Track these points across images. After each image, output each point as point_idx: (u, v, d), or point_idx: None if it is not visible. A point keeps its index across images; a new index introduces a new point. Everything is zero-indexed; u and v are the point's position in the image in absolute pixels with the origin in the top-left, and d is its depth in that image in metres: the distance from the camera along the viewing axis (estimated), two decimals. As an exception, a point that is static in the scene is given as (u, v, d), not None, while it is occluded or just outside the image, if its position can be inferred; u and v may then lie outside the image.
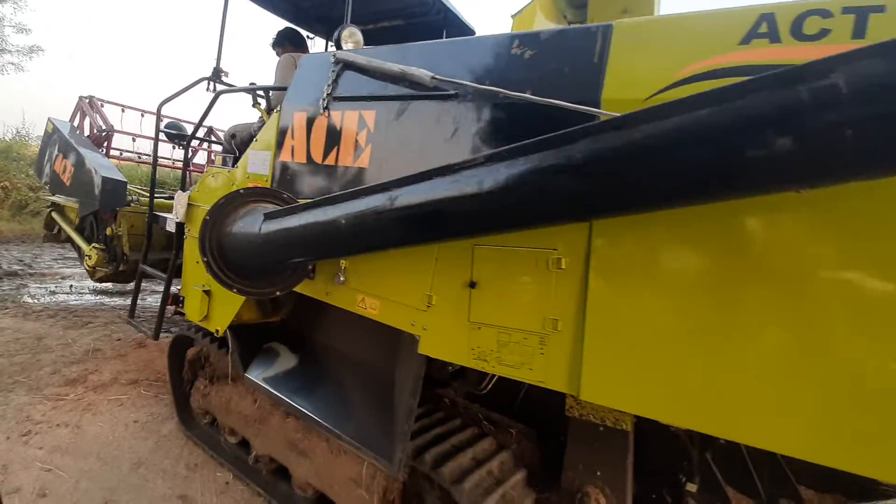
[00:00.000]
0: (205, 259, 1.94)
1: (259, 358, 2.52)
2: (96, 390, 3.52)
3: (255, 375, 2.41)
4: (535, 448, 2.00)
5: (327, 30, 4.27)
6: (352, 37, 2.33)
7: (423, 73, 1.71)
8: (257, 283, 2.00)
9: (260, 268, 1.98)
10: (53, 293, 6.12)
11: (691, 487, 1.75)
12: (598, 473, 1.63)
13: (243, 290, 1.98)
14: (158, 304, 4.53)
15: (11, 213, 10.98)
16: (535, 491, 1.81)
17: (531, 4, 2.87)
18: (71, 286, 6.57)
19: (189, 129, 3.86)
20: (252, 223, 1.88)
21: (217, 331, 2.53)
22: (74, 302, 5.76)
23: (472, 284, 1.60)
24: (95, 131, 5.47)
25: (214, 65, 3.54)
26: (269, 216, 1.84)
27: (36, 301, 5.61)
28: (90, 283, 6.86)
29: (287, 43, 3.51)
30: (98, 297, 6.13)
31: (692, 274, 1.23)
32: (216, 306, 2.56)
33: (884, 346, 1.01)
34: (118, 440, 2.94)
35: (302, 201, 1.94)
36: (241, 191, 2.03)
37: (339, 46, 2.27)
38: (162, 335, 3.20)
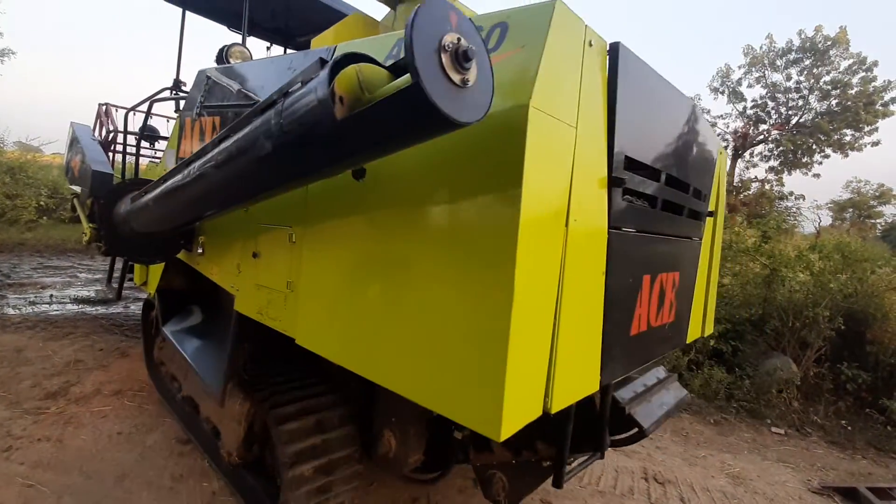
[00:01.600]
0: (101, 233, 2.75)
1: (178, 315, 3.14)
2: (78, 402, 3.47)
3: (168, 328, 3.04)
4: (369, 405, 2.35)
5: (284, 40, 5.37)
6: (241, 54, 2.94)
7: (232, 88, 2.23)
8: (145, 253, 2.79)
9: (141, 241, 2.66)
10: (33, 304, 6.00)
11: (458, 435, 2.05)
12: (393, 420, 2.13)
13: (133, 258, 2.94)
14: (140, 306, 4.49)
15: (-12, 223, 10.73)
16: (358, 435, 2.30)
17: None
18: (51, 296, 6.45)
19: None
20: (124, 205, 2.57)
21: (150, 294, 3.41)
22: (55, 312, 5.66)
23: (255, 255, 2.09)
24: (105, 133, 5.74)
25: (175, 76, 4.30)
26: (133, 199, 2.46)
27: (16, 312, 5.49)
28: (71, 293, 6.75)
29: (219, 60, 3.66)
30: (80, 307, 6.03)
31: (345, 251, 1.61)
32: (151, 275, 3.45)
33: (441, 307, 1.29)
34: (101, 453, 2.90)
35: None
36: (128, 181, 2.77)
37: (221, 62, 2.90)
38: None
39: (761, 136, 21.06)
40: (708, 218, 2.39)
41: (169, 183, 1.94)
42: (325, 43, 2.95)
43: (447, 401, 1.27)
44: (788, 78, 20.07)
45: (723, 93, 21.61)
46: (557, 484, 1.86)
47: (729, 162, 21.33)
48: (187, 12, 4.75)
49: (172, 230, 2.53)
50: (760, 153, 21.44)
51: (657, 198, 1.79)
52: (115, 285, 4.43)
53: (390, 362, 1.43)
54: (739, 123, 21.42)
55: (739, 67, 21.01)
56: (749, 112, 21.25)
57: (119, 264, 4.60)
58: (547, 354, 1.30)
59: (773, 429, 5.09)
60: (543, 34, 1.18)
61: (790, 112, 20.31)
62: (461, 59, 0.89)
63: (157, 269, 3.24)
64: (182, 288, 3.25)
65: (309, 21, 4.69)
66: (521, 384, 1.19)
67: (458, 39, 0.90)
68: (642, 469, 3.68)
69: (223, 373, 2.29)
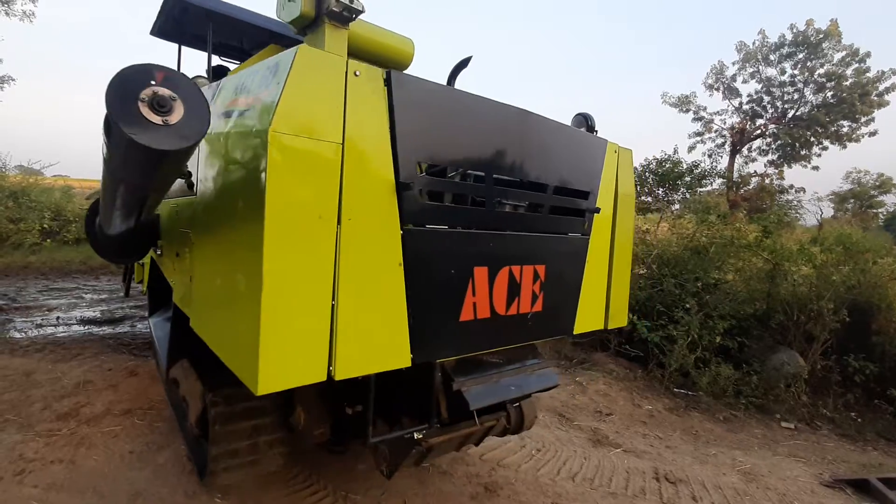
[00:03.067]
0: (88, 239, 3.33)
1: (163, 309, 3.55)
2: (89, 423, 3.49)
3: (153, 320, 3.69)
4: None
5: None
6: (200, 83, 3.25)
7: None
8: (120, 254, 3.36)
9: (114, 243, 3.02)
10: (40, 326, 6.03)
11: (349, 410, 2.37)
12: (302, 397, 2.52)
13: (113, 260, 3.74)
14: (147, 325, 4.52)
15: (-8, 247, 10.80)
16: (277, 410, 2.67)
17: None
18: (58, 318, 6.48)
19: None
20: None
21: (142, 290, 4.10)
22: (62, 334, 5.69)
23: (178, 254, 2.58)
24: None
25: None
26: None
27: (23, 335, 5.53)
28: (77, 314, 6.78)
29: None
30: (86, 328, 6.06)
31: (199, 249, 2.10)
32: (144, 274, 4.10)
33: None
34: (114, 473, 2.92)
35: None
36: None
37: None
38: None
39: (758, 131, 21.09)
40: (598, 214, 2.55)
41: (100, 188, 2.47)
42: (238, 70, 3.27)
43: (237, 362, 1.66)
44: (783, 72, 20.12)
45: (717, 89, 21.65)
46: (364, 442, 2.17)
47: (727, 158, 21.37)
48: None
49: (121, 229, 2.81)
50: (759, 148, 21.45)
51: (479, 198, 2.08)
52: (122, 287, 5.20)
53: (217, 333, 1.91)
54: (736, 119, 21.46)
55: (733, 63, 21.09)
56: (745, 107, 21.29)
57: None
58: (324, 330, 1.58)
59: (783, 423, 5.08)
60: (286, 73, 1.47)
61: (786, 106, 20.35)
62: (157, 106, 1.25)
63: (145, 270, 3.96)
64: (163, 285, 3.54)
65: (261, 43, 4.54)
66: (285, 352, 1.50)
67: (154, 92, 1.24)
68: (653, 469, 3.68)
69: (166, 354, 2.95)
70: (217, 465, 2.58)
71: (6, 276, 9.34)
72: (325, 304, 1.58)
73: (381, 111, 1.68)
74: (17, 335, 5.54)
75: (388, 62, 3.17)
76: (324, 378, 1.58)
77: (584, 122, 2.76)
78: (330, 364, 1.60)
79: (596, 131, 2.74)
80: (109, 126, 1.36)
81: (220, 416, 2.53)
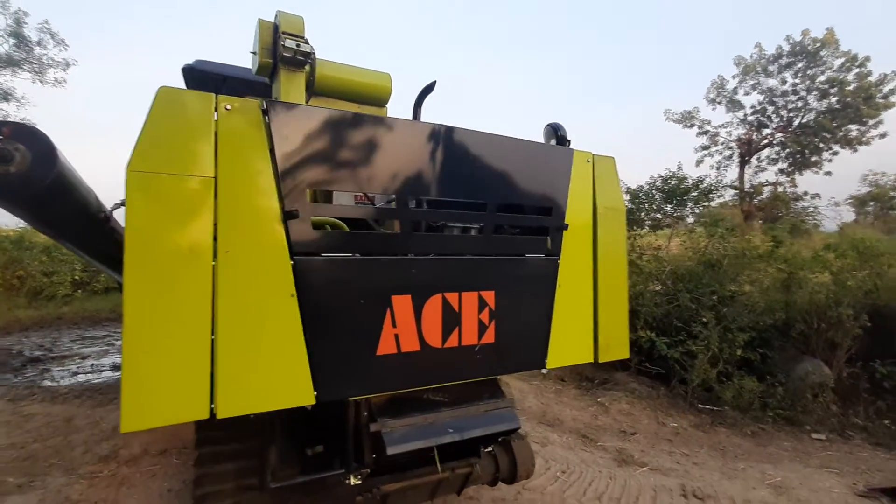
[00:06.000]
0: None
1: None
2: (128, 464, 3.65)
3: None
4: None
5: None
6: None
7: None
8: None
9: None
10: (75, 374, 6.29)
11: (309, 451, 2.18)
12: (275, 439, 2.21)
13: None
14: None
15: (28, 301, 11.27)
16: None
17: None
18: (91, 365, 6.75)
19: None
20: None
21: None
22: (97, 380, 5.93)
23: None
24: None
25: None
26: None
27: (61, 384, 5.78)
28: (108, 361, 7.04)
29: None
30: (117, 373, 6.29)
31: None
32: None
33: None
34: (155, 510, 3.05)
35: None
36: None
37: None
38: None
39: (766, 140, 21.11)
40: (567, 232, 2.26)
41: None
42: None
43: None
44: (784, 82, 20.28)
45: (720, 103, 21.87)
46: (262, 487, 2.08)
47: (737, 169, 21.36)
48: None
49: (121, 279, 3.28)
50: (768, 157, 21.43)
51: (398, 220, 1.97)
52: None
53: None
54: (742, 130, 21.55)
55: (733, 77, 21.35)
56: (750, 118, 21.40)
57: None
58: (203, 366, 1.52)
59: (814, 435, 4.99)
60: (147, 113, 1.50)
61: (791, 114, 20.41)
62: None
63: None
64: None
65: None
66: (155, 389, 1.46)
67: None
68: (680, 486, 3.67)
69: None
70: None
71: (41, 328, 9.74)
72: (203, 339, 1.52)
73: (261, 141, 1.64)
74: (56, 383, 5.79)
75: (365, 98, 3.23)
76: (206, 416, 1.51)
77: (554, 133, 2.56)
78: (212, 402, 1.52)
79: (569, 142, 2.50)
80: None
81: (203, 457, 2.38)
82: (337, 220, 2.08)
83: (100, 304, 11.34)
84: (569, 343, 2.27)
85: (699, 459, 4.28)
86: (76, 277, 12.19)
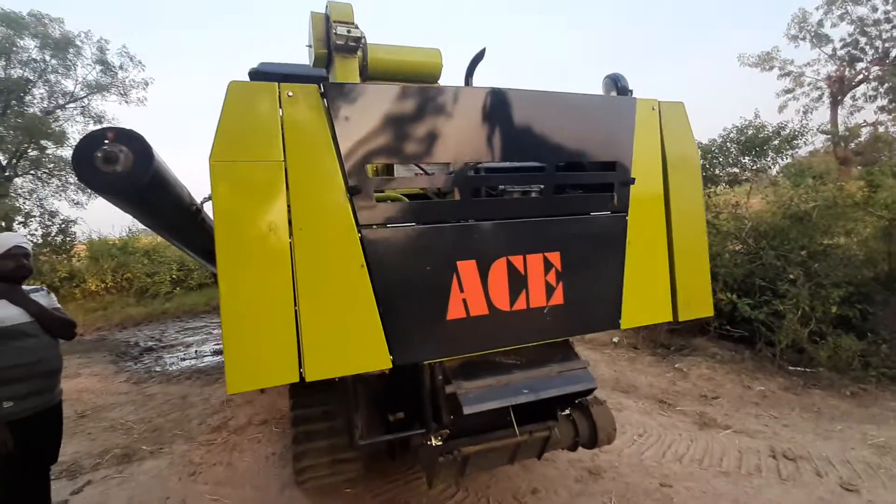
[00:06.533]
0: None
1: None
2: (237, 433, 4.12)
3: None
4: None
5: None
6: None
7: None
8: None
9: None
10: (183, 360, 7.10)
11: (391, 417, 2.34)
12: (360, 408, 2.37)
13: None
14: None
15: (136, 299, 12.76)
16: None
17: None
18: (196, 351, 7.57)
19: None
20: None
21: None
22: (202, 364, 6.66)
23: None
24: None
25: None
26: None
27: (173, 368, 6.56)
28: (208, 348, 7.84)
29: None
30: (218, 358, 7.01)
31: None
32: None
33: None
34: (263, 470, 3.45)
35: None
36: None
37: None
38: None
39: (860, 76, 18.70)
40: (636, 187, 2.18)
41: None
42: None
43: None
44: (875, 9, 17.73)
45: (803, 39, 19.58)
46: (352, 444, 2.20)
47: (828, 111, 19.16)
48: None
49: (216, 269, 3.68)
50: (864, 94, 18.98)
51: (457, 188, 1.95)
52: None
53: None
54: (831, 67, 19.23)
55: (817, 9, 18.99)
56: (840, 53, 19.01)
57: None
58: (290, 334, 1.64)
59: (927, 394, 4.53)
60: (222, 107, 1.61)
61: (887, 45, 17.86)
62: (106, 160, 1.59)
63: None
64: None
65: None
66: (251, 355, 1.60)
67: (105, 151, 1.58)
68: (769, 447, 3.52)
69: None
70: (302, 476, 2.62)
71: (150, 322, 10.99)
72: (287, 309, 1.65)
73: (322, 123, 1.73)
74: (170, 368, 6.58)
75: (417, 76, 3.30)
76: (296, 379, 1.65)
77: (614, 84, 2.47)
78: (300, 366, 1.65)
79: (630, 92, 2.41)
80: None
81: (300, 434, 2.58)
82: (398, 194, 2.15)
83: (196, 298, 12.55)
84: (645, 302, 2.21)
85: (790, 421, 4.06)
86: (174, 276, 13.55)
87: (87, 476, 3.50)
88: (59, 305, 2.73)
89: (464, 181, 1.95)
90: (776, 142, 7.59)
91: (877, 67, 18.15)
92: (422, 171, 2.17)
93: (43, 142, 13.40)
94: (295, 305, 1.66)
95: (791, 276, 5.52)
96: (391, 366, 1.79)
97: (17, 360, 2.39)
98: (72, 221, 13.71)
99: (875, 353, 4.98)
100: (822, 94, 19.51)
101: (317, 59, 2.84)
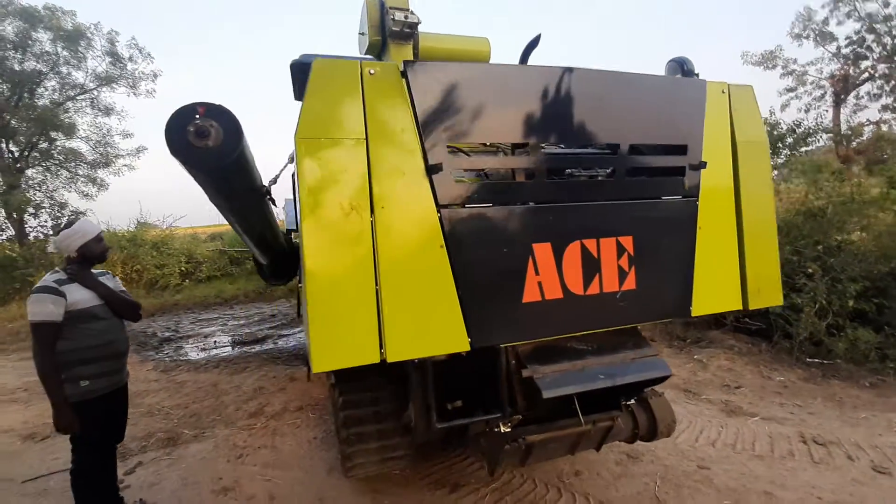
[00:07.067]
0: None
1: None
2: (274, 418, 4.21)
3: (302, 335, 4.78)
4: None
5: None
6: None
7: None
8: (278, 278, 5.27)
9: (269, 271, 4.65)
10: (204, 349, 7.17)
11: (448, 406, 2.17)
12: (413, 396, 2.30)
13: (271, 283, 6.00)
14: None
15: (147, 291, 12.79)
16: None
17: None
18: (215, 342, 7.64)
19: None
20: None
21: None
22: (225, 354, 6.74)
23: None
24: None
25: None
26: None
27: (196, 357, 6.64)
28: (227, 338, 7.92)
29: None
30: (240, 348, 7.09)
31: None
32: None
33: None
34: (308, 453, 3.54)
35: None
36: None
37: None
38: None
39: (865, 75, 18.81)
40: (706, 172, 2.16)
41: None
42: None
43: (308, 349, 1.72)
44: (886, 4, 17.82)
45: (807, 37, 19.67)
46: (429, 427, 2.10)
47: (830, 110, 19.28)
48: None
49: (265, 259, 3.82)
50: (868, 93, 19.11)
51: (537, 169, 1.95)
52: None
53: (305, 328, 2.00)
54: (835, 66, 19.33)
55: (822, 7, 19.07)
56: (845, 51, 19.10)
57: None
58: (371, 314, 1.66)
59: (944, 385, 4.66)
60: (307, 84, 1.62)
61: (895, 42, 17.98)
62: (198, 135, 1.60)
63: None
64: None
65: None
66: (335, 335, 1.62)
67: (197, 125, 1.60)
68: (798, 433, 3.64)
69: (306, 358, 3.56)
70: (350, 462, 2.59)
71: (163, 314, 11.04)
72: (369, 289, 1.66)
73: (403, 101, 1.73)
74: (194, 356, 6.65)
75: None
76: (377, 360, 1.66)
77: (679, 68, 2.43)
78: (381, 347, 1.66)
79: (696, 75, 2.39)
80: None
81: (348, 418, 2.54)
82: (475, 174, 2.15)
83: (205, 290, 12.60)
84: (715, 289, 2.19)
85: (814, 409, 4.18)
86: (182, 269, 13.59)
87: (137, 458, 3.58)
88: (123, 288, 2.81)
89: (541, 162, 1.94)
90: (790, 139, 7.71)
91: (884, 65, 18.26)
92: (499, 151, 2.17)
93: (52, 133, 13.41)
94: (376, 285, 1.67)
95: (809, 271, 5.64)
96: (469, 349, 1.80)
97: (90, 342, 2.47)
98: (81, 213, 13.76)
99: (892, 345, 5.11)
100: (825, 92, 19.62)
101: (370, 46, 2.86)
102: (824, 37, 19.31)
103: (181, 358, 6.65)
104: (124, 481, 3.25)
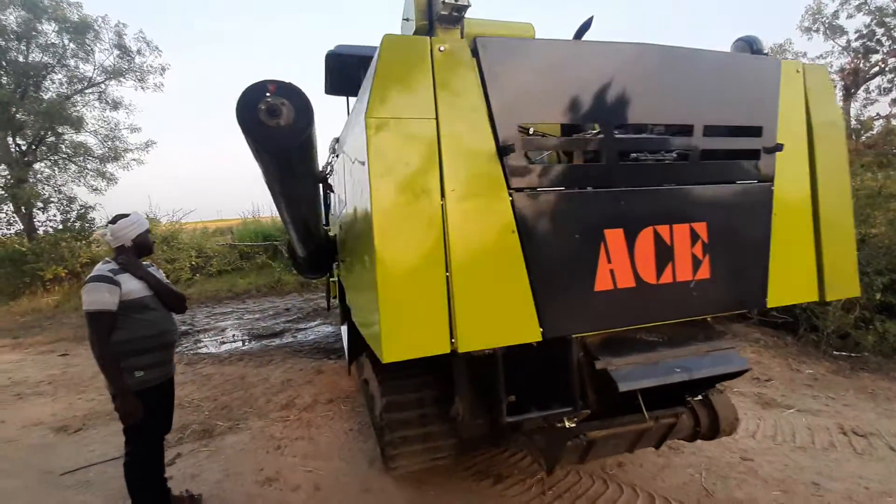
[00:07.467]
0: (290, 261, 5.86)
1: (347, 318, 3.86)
2: (307, 410, 4.21)
3: (343, 327, 4.43)
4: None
5: None
6: None
7: None
8: (315, 270, 4.80)
9: (304, 263, 4.30)
10: (223, 343, 7.17)
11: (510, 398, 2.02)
12: (461, 388, 2.13)
13: (309, 276, 5.82)
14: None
15: (158, 285, 12.82)
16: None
17: None
18: (233, 335, 7.64)
19: None
20: None
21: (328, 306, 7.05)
22: (246, 347, 6.73)
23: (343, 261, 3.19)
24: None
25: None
26: None
27: (217, 351, 6.63)
28: (245, 331, 7.91)
29: None
30: (260, 341, 7.09)
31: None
32: (335, 290, 5.15)
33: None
34: (347, 444, 3.54)
35: None
36: None
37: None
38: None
39: (876, 68, 18.70)
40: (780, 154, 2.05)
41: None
42: None
43: (371, 338, 1.75)
44: (897, -2, 17.69)
45: (817, 31, 19.55)
46: (499, 421, 1.93)
47: (840, 104, 19.17)
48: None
49: (304, 251, 3.66)
50: (878, 86, 19.02)
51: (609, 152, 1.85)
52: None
53: (360, 316, 2.16)
54: (845, 59, 19.22)
55: (832, 0, 18.93)
56: (855, 44, 18.99)
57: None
58: (442, 302, 1.60)
59: (976, 377, 4.64)
60: (376, 62, 1.58)
61: (908, 35, 17.86)
62: (270, 113, 1.56)
63: (336, 286, 4.81)
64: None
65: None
66: (405, 323, 1.57)
67: (268, 103, 1.55)
68: (837, 425, 3.62)
69: (347, 352, 3.76)
70: (394, 463, 2.57)
71: (176, 308, 11.05)
72: (439, 276, 1.59)
73: (473, 80, 1.66)
74: (214, 350, 6.65)
75: None
76: (447, 350, 1.59)
77: (748, 48, 2.29)
78: (452, 337, 1.60)
79: (766, 55, 2.28)
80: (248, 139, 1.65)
81: (390, 404, 2.51)
82: (547, 156, 2.08)
83: (217, 284, 12.59)
84: (790, 280, 2.10)
85: (848, 401, 4.17)
86: (193, 263, 13.59)
87: (175, 449, 3.58)
88: (167, 281, 2.79)
89: (613, 144, 1.85)
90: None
91: (894, 59, 18.15)
92: (572, 132, 2.09)
93: (60, 128, 13.35)
94: (447, 272, 1.60)
95: (835, 263, 5.61)
96: (541, 338, 1.73)
97: (144, 332, 2.46)
98: (90, 207, 13.73)
99: (922, 338, 5.09)
100: (835, 86, 19.51)
101: (416, 31, 2.82)
102: (834, 30, 19.18)
103: (202, 351, 6.64)
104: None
